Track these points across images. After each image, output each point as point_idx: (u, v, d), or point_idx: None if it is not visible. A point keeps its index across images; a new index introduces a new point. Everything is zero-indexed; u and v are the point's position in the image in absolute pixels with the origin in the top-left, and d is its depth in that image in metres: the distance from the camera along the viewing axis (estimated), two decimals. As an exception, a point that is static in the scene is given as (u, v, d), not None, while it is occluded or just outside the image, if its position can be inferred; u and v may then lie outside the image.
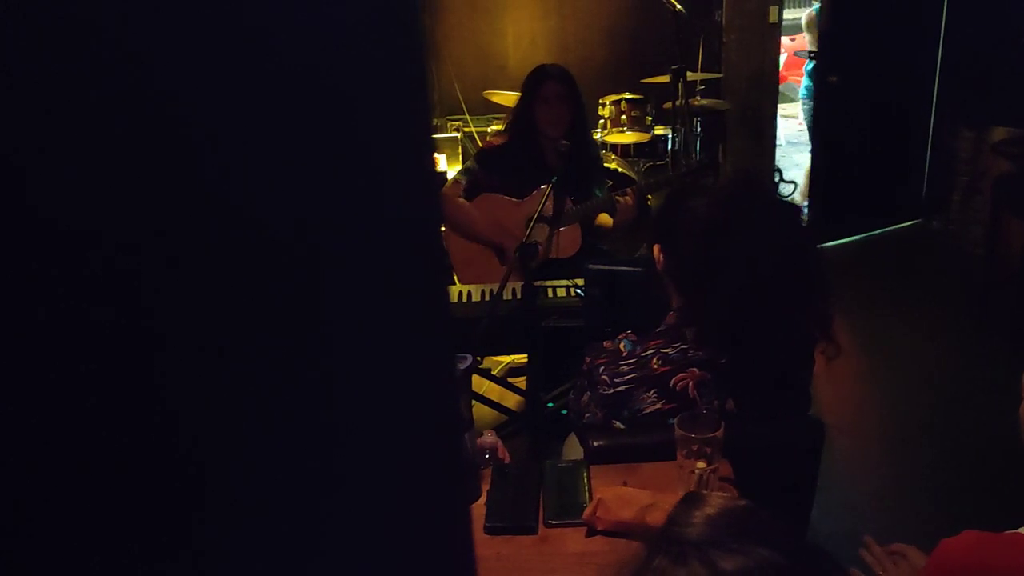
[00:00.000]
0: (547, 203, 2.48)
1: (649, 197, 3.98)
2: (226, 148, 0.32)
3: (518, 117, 3.04)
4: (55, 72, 0.27)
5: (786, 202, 1.71)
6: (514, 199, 2.98)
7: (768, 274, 1.55)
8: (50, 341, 0.28)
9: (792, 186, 1.73)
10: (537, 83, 2.95)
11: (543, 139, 2.95)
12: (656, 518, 1.39)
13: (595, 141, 3.37)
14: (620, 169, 3.98)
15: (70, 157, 0.28)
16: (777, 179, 1.73)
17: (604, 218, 3.06)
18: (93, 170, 0.29)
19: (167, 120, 0.30)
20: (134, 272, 0.30)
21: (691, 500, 0.81)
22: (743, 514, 0.79)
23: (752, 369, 1.65)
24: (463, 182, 3.03)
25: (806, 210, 4.92)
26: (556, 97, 2.91)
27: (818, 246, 1.72)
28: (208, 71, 0.31)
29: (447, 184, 3.12)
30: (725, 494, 0.82)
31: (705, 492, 0.83)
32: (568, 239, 2.93)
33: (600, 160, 3.32)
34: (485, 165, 3.04)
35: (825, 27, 4.75)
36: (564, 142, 2.72)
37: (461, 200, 2.97)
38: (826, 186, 4.88)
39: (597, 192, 3.03)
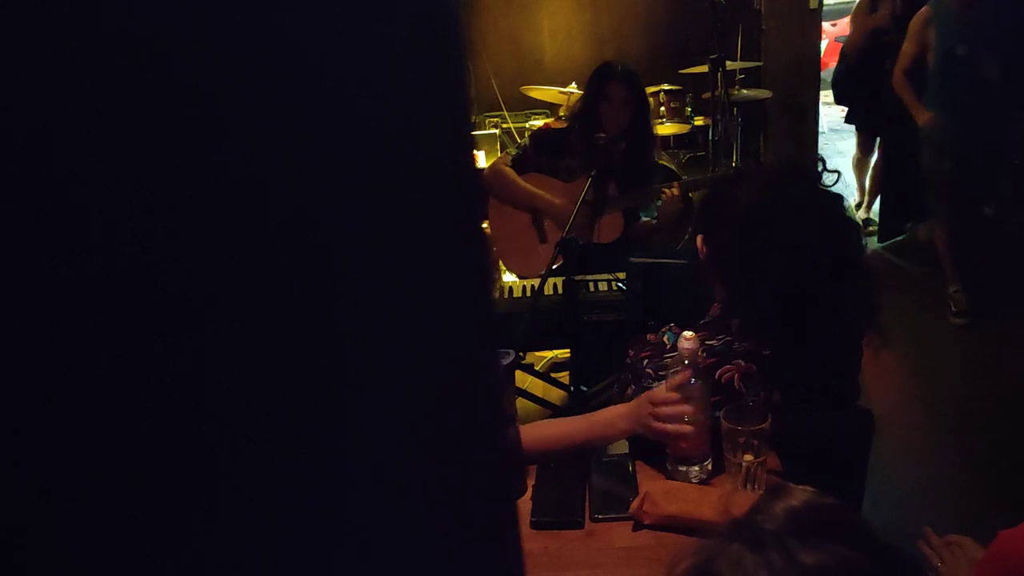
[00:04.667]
0: (590, 191, 2.50)
1: (691, 194, 3.97)
2: (265, 147, 0.32)
3: (581, 111, 3.05)
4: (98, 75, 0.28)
5: (828, 191, 1.68)
6: (562, 182, 3.01)
7: (809, 264, 1.53)
8: (58, 338, 0.29)
9: (836, 175, 1.70)
10: (602, 81, 2.96)
11: (601, 130, 2.96)
12: (703, 512, 1.38)
13: (653, 142, 3.36)
14: (661, 161, 3.96)
15: (106, 157, 0.29)
16: (820, 168, 1.70)
17: (648, 220, 3.10)
18: (130, 165, 0.29)
19: (194, 116, 0.31)
20: (166, 268, 0.31)
21: (777, 491, 0.79)
22: (829, 511, 0.77)
23: (797, 360, 1.63)
24: (512, 154, 3.08)
25: (878, 209, 4.86)
26: (620, 99, 2.92)
27: (862, 238, 1.68)
28: (241, 71, 0.31)
29: (498, 158, 3.18)
30: (812, 489, 0.80)
31: (792, 485, 0.80)
32: (609, 226, 2.95)
33: (654, 162, 3.31)
34: (537, 146, 3.07)
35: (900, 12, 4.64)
36: (601, 135, 2.73)
37: (508, 168, 3.01)
38: (895, 184, 4.80)
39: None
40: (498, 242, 3.07)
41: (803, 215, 1.55)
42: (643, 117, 3.04)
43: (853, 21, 4.69)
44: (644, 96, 3.03)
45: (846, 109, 5.24)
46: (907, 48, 3.73)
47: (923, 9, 3.68)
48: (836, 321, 1.60)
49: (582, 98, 3.11)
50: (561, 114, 4.24)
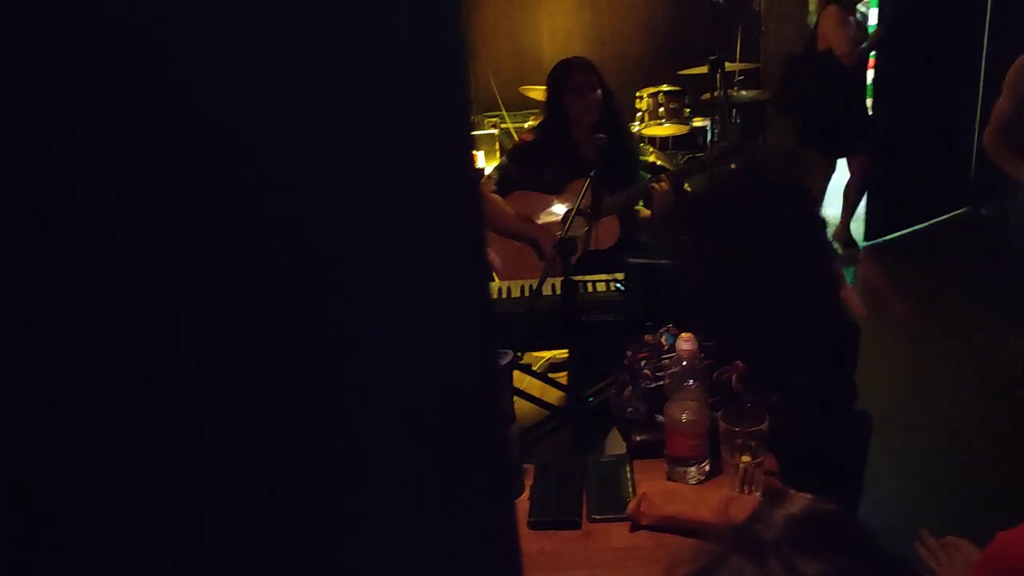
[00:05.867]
0: (585, 197, 2.48)
1: (686, 185, 3.96)
2: (265, 148, 0.32)
3: (549, 113, 3.05)
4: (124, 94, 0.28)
5: (790, 185, 1.65)
6: (549, 195, 2.99)
7: (754, 257, 1.51)
8: (61, 338, 0.29)
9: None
10: (564, 75, 2.97)
11: (577, 132, 2.95)
12: (701, 513, 1.38)
13: (630, 130, 3.37)
14: (658, 162, 3.95)
15: (117, 158, 0.29)
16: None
17: (642, 209, 3.07)
18: (130, 165, 0.29)
19: (197, 114, 0.31)
20: (166, 269, 0.31)
21: (776, 498, 0.78)
22: (829, 519, 0.76)
23: (768, 357, 1.61)
24: (495, 177, 3.06)
25: (864, 206, 4.84)
26: (587, 85, 2.92)
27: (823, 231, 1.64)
28: (241, 71, 0.31)
29: (480, 180, 3.15)
30: (811, 496, 0.80)
31: (791, 492, 0.80)
32: (606, 230, 2.94)
33: (636, 149, 3.31)
34: (518, 161, 3.05)
35: (888, 13, 4.60)
36: (601, 135, 2.72)
37: (494, 195, 2.99)
38: (887, 177, 4.79)
39: (637, 181, 3.04)
40: (496, 260, 3.05)
41: (754, 208, 1.54)
42: (612, 104, 3.04)
43: (833, 35, 4.29)
44: (605, 82, 3.02)
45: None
46: (1003, 104, 3.12)
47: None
48: (786, 313, 1.57)
49: (547, 104, 3.09)
50: (529, 125, 4.24)
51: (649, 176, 3.16)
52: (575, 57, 3.09)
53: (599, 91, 2.95)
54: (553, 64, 3.12)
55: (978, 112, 4.98)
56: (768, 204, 1.55)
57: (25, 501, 0.29)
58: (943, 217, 5.09)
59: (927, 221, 5.00)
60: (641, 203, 3.09)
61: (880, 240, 4.81)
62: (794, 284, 1.52)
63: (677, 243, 1.63)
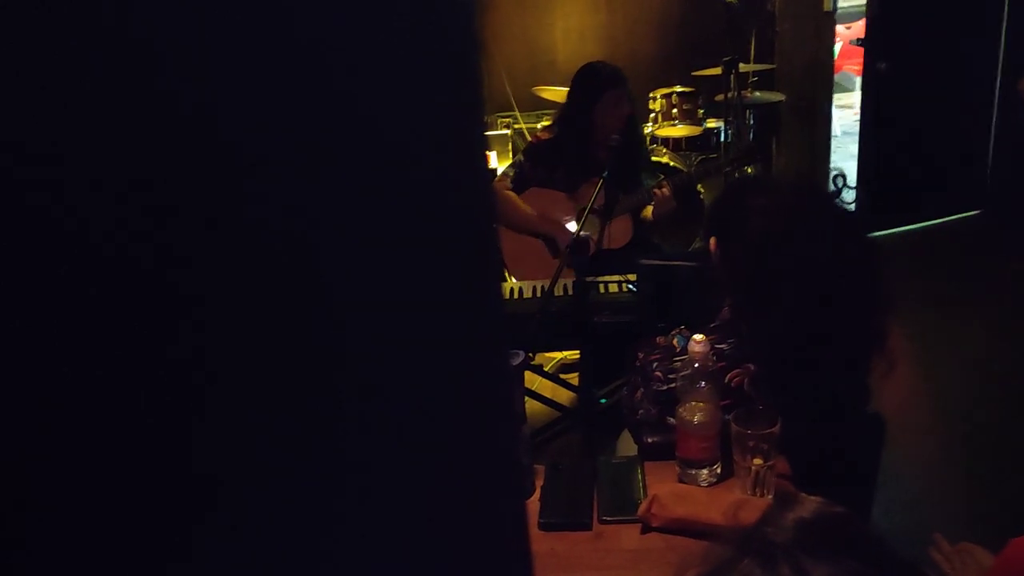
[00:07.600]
0: (598, 196, 2.49)
1: (700, 188, 3.94)
2: (272, 151, 0.32)
3: (570, 117, 3.03)
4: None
5: (846, 212, 1.65)
6: (563, 193, 3.00)
7: (826, 292, 1.51)
8: (60, 341, 0.29)
9: (855, 192, 1.66)
10: (598, 90, 2.93)
11: (594, 135, 2.95)
12: (712, 515, 1.37)
13: (642, 131, 3.37)
14: (671, 163, 3.94)
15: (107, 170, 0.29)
16: (841, 184, 1.65)
17: (646, 211, 3.07)
18: (129, 168, 0.29)
19: (197, 124, 0.31)
20: (167, 275, 0.31)
21: (786, 501, 0.78)
22: (839, 522, 0.76)
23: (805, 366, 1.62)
24: (510, 175, 3.06)
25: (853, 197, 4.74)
26: (619, 101, 2.91)
27: (877, 258, 1.64)
28: (247, 73, 0.31)
29: (496, 178, 3.16)
30: (821, 499, 0.80)
31: (801, 495, 0.80)
32: (619, 229, 2.94)
33: (647, 151, 3.31)
34: (533, 159, 3.06)
35: (875, 11, 4.57)
36: (615, 136, 2.72)
37: (510, 192, 3.00)
38: (877, 173, 4.74)
39: (648, 182, 3.04)
40: (509, 257, 3.06)
41: (819, 242, 1.53)
42: (634, 110, 3.04)
43: None
44: (630, 89, 3.01)
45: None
46: None
47: None
48: (846, 347, 1.58)
49: (571, 105, 3.05)
50: (546, 124, 4.23)
51: (662, 177, 3.16)
52: (607, 67, 3.03)
53: (627, 102, 2.94)
54: (567, 64, 3.12)
55: (995, 111, 4.94)
56: (832, 237, 1.55)
57: (16, 502, 0.29)
58: (954, 217, 5.04)
59: (933, 220, 4.94)
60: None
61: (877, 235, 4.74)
62: (847, 307, 1.52)
63: (720, 253, 1.64)
